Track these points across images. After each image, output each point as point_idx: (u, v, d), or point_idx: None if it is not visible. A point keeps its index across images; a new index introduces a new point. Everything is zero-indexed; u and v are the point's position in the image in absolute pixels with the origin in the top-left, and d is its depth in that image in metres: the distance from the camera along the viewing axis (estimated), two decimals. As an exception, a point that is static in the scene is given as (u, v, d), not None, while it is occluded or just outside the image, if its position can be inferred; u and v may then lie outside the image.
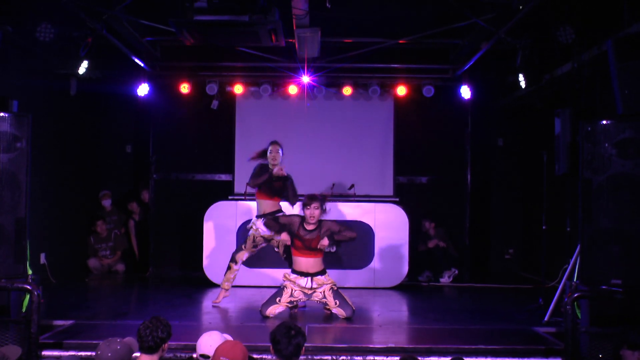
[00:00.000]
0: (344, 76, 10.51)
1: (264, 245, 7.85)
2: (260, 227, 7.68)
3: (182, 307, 7.75)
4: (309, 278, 7.27)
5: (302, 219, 7.31)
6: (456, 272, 10.34)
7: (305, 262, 7.29)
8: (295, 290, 7.27)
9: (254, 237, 7.73)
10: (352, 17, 8.61)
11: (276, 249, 7.84)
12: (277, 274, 9.29)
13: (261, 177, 7.64)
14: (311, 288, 7.27)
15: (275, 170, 7.62)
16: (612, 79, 5.90)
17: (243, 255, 7.81)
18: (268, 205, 7.76)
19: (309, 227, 7.26)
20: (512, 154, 11.66)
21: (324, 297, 7.26)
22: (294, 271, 7.36)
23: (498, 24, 7.65)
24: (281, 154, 7.77)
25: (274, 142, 7.84)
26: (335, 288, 7.32)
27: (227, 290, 7.89)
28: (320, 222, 7.29)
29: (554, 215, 8.17)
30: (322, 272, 7.34)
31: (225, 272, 7.86)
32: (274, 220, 7.53)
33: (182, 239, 11.22)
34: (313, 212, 7.21)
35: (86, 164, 10.85)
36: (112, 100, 10.99)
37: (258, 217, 7.76)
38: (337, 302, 7.21)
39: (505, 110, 11.38)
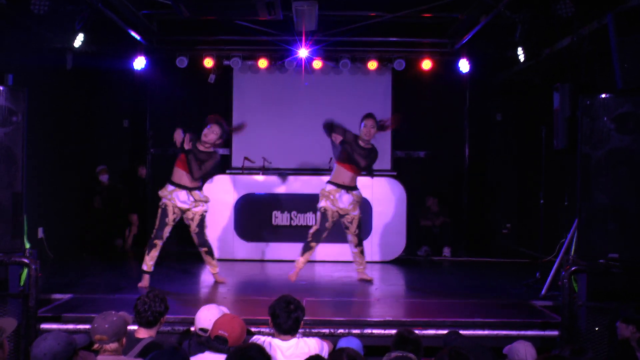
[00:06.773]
0: (342, 50, 10.46)
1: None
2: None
3: (180, 282, 7.77)
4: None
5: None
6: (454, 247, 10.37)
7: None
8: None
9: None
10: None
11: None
12: (272, 248, 9.35)
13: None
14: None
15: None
16: (612, 53, 5.86)
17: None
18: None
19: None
20: (510, 128, 11.62)
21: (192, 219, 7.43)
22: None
23: (497, -3, 7.59)
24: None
25: (369, 116, 7.53)
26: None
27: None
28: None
29: (551, 190, 8.17)
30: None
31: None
32: None
33: (180, 214, 11.20)
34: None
35: (83, 139, 10.79)
36: (109, 74, 10.87)
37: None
38: (198, 230, 7.43)
39: (504, 85, 11.31)
